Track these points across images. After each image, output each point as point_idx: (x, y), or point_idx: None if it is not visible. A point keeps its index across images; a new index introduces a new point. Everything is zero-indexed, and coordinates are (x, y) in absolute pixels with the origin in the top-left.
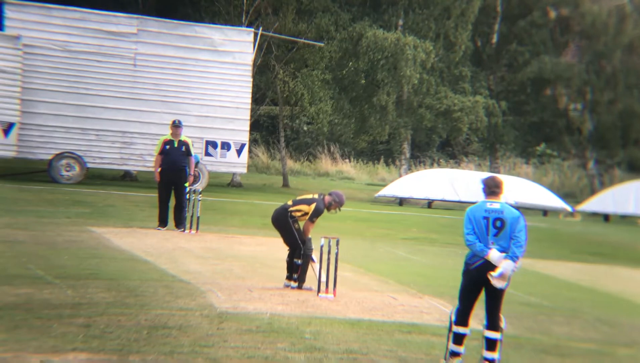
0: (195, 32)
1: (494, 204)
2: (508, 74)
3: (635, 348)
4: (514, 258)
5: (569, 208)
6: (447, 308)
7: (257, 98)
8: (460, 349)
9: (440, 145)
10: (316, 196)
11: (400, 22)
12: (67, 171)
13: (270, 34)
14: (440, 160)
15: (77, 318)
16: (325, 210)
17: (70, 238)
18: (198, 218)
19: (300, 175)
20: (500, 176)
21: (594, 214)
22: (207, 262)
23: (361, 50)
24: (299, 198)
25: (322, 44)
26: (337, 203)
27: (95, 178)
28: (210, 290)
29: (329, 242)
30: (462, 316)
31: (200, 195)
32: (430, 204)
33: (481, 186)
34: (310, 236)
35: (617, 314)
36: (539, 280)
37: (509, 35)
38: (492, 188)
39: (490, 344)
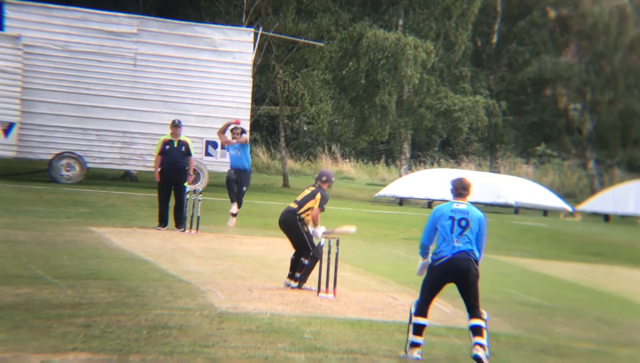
0: (196, 32)
1: (460, 205)
2: (508, 74)
3: (635, 348)
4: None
5: (569, 208)
6: (448, 308)
7: (257, 98)
8: (420, 340)
9: (441, 145)
10: (313, 188)
11: (401, 22)
12: (67, 171)
13: (271, 34)
14: (441, 160)
15: (77, 318)
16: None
17: (70, 238)
18: (198, 218)
19: (301, 175)
20: (469, 179)
21: (594, 214)
22: (207, 262)
23: (361, 50)
24: (300, 198)
25: (322, 44)
26: (330, 181)
27: (95, 178)
28: (210, 290)
29: (329, 242)
30: (422, 308)
31: (200, 195)
32: (430, 204)
33: (450, 186)
34: (319, 227)
35: (617, 314)
36: (539, 280)
37: (509, 35)
38: (459, 190)
39: (477, 330)
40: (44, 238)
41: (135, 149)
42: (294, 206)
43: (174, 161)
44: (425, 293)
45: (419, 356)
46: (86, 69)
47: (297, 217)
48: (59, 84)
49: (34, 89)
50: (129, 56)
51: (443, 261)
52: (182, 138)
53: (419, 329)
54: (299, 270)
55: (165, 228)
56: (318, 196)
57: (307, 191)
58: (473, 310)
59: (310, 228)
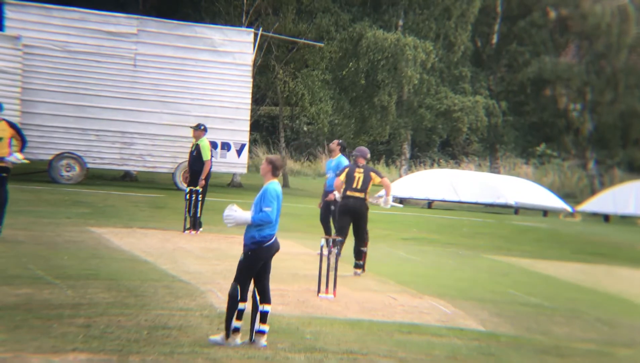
0: (195, 33)
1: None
2: (508, 74)
3: (635, 348)
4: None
5: (569, 209)
6: (448, 309)
7: (257, 98)
8: (241, 324)
9: (441, 145)
10: (360, 169)
11: (401, 23)
12: (67, 171)
13: (270, 34)
14: (441, 160)
15: (77, 318)
16: None
17: (70, 238)
18: (198, 218)
19: (301, 175)
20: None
21: (594, 215)
22: (207, 262)
23: (361, 50)
24: (359, 185)
25: (322, 45)
26: (365, 157)
27: (95, 178)
28: (210, 290)
29: (330, 242)
30: (245, 293)
31: (200, 196)
32: (430, 204)
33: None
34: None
35: (617, 314)
36: (539, 280)
37: (509, 35)
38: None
39: (265, 317)
40: (44, 238)
41: (135, 149)
42: (360, 194)
43: (190, 165)
44: (248, 279)
45: (240, 341)
46: (86, 69)
47: (366, 204)
48: (58, 84)
49: (33, 90)
50: (128, 56)
51: (270, 243)
52: (200, 141)
53: (241, 314)
54: (361, 258)
55: (200, 231)
56: (372, 174)
57: (359, 176)
58: (267, 293)
59: (383, 198)
